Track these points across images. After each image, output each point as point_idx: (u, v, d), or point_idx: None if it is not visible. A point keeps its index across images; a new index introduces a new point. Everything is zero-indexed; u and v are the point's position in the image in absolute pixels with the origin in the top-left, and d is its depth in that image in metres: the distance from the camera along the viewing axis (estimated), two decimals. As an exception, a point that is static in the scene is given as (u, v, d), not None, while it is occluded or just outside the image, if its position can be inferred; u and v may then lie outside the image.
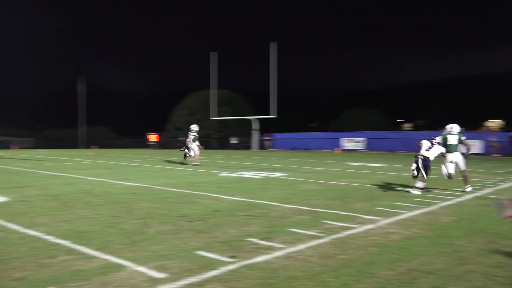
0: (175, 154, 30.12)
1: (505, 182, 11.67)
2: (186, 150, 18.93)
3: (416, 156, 9.53)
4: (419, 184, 9.42)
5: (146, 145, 51.53)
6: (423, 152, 9.53)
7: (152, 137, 52.57)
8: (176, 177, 12.74)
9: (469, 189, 9.71)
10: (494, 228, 5.81)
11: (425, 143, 9.69)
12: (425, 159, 9.39)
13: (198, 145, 18.74)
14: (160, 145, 52.04)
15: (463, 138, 9.84)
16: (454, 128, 9.90)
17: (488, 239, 5.23)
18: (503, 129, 58.91)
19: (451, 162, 9.72)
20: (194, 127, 18.96)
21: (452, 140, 9.81)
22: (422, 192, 9.31)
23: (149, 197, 8.57)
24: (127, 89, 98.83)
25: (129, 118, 79.96)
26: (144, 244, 4.83)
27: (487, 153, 31.11)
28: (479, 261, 4.28)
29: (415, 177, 9.43)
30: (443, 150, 9.72)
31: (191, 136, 18.67)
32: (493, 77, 79.55)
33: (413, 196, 8.96)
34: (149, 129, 55.93)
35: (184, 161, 19.23)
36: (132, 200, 8.08)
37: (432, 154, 9.46)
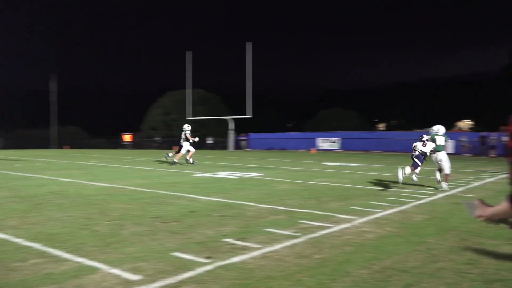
0: (150, 154, 29.79)
1: (475, 181, 11.97)
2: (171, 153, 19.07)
3: (413, 151, 10.95)
4: (408, 170, 10.86)
5: (120, 145, 50.85)
6: (420, 148, 10.83)
7: (126, 137, 51.91)
8: (150, 178, 12.61)
9: (444, 186, 10.15)
10: (466, 226, 5.95)
11: (418, 144, 10.94)
12: (423, 154, 10.81)
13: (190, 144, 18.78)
14: (135, 145, 51.41)
15: (447, 139, 10.70)
16: (440, 129, 10.66)
17: (460, 236, 5.35)
18: (473, 129, 60.51)
19: (440, 161, 10.44)
20: (187, 127, 18.99)
21: (440, 140, 10.53)
22: (417, 177, 11.08)
23: (123, 198, 8.45)
24: (101, 88, 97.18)
25: (103, 118, 78.79)
26: (118, 246, 4.76)
27: (458, 152, 31.86)
28: (451, 259, 4.37)
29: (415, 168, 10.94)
30: (433, 145, 10.64)
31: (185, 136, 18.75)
32: (463, 77, 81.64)
33: (387, 195, 9.11)
34: (123, 129, 55.23)
35: (185, 162, 19.00)
36: (106, 201, 7.96)
37: (427, 149, 10.68)
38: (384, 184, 11.32)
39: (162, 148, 48.20)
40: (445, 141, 10.52)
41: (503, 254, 4.57)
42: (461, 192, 9.83)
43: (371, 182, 11.73)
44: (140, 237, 5.16)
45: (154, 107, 55.91)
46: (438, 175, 10.55)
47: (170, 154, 19.44)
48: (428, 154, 10.75)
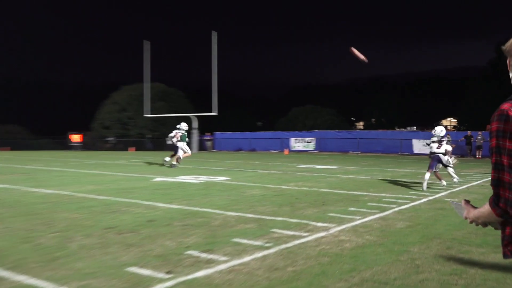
0: (103, 157, 29.30)
1: (460, 185, 12.30)
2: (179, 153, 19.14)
3: (431, 155, 11.69)
4: (451, 170, 11.95)
5: (68, 146, 49.77)
6: (435, 150, 11.56)
7: (75, 137, 50.85)
8: (103, 183, 12.40)
9: (444, 183, 11.73)
10: (451, 233, 6.09)
11: (433, 145, 11.69)
12: (440, 154, 11.59)
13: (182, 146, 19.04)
14: (84, 146, 50.44)
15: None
16: (443, 130, 11.88)
17: (445, 245, 5.48)
18: (458, 128, 62.17)
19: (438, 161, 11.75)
20: (184, 126, 19.42)
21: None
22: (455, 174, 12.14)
23: (71, 206, 8.28)
24: (46, 82, 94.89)
25: (49, 115, 76.85)
26: (65, 261, 4.65)
27: (442, 153, 32.65)
28: (435, 269, 4.46)
29: (450, 166, 11.93)
30: (449, 148, 11.98)
31: (179, 135, 18.98)
32: (447, 73, 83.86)
33: (366, 200, 9.24)
34: (71, 128, 54.04)
35: (174, 164, 18.92)
36: (51, 211, 7.78)
37: (442, 150, 11.58)
38: (363, 188, 11.49)
39: (116, 149, 47.48)
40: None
41: (490, 263, 4.70)
42: (445, 196, 10.08)
43: (350, 186, 11.88)
44: (90, 251, 5.06)
45: (107, 103, 54.90)
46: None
47: (167, 159, 19.54)
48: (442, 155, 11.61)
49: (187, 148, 19.32)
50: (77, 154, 36.20)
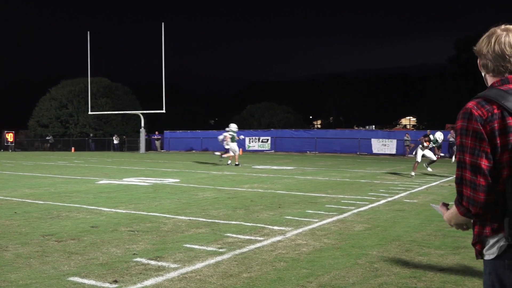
0: (41, 158, 28.48)
1: (420, 185, 12.70)
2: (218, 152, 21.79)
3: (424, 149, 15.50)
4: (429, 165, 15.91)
5: (4, 146, 48.03)
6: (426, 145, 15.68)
7: (8, 136, 49.11)
8: (41, 186, 12.07)
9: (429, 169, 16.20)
10: (409, 235, 6.30)
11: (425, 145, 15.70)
12: (430, 148, 15.90)
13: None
14: (19, 146, 48.83)
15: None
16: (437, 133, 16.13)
17: (404, 247, 5.65)
18: (417, 127, 64.07)
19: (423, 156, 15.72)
20: (234, 127, 21.07)
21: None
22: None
23: (5, 212, 8.04)
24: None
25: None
26: (-1, 271, 4.51)
27: (401, 153, 33.57)
28: (394, 272, 4.61)
29: (432, 162, 16.26)
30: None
31: (229, 136, 20.68)
32: (408, 70, 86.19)
33: (324, 202, 9.40)
34: (5, 126, 52.16)
35: (221, 161, 21.33)
36: (-18, 217, 7.51)
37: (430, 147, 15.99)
38: (321, 189, 11.68)
39: (56, 149, 46.22)
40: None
41: (449, 265, 4.89)
42: (403, 197, 10.38)
43: (307, 188, 12.05)
44: (27, 260, 4.93)
45: (45, 100, 53.32)
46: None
47: (218, 153, 22.15)
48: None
49: (236, 149, 20.78)
50: (11, 155, 35.02)
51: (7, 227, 6.69)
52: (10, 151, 43.92)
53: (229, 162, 21.05)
